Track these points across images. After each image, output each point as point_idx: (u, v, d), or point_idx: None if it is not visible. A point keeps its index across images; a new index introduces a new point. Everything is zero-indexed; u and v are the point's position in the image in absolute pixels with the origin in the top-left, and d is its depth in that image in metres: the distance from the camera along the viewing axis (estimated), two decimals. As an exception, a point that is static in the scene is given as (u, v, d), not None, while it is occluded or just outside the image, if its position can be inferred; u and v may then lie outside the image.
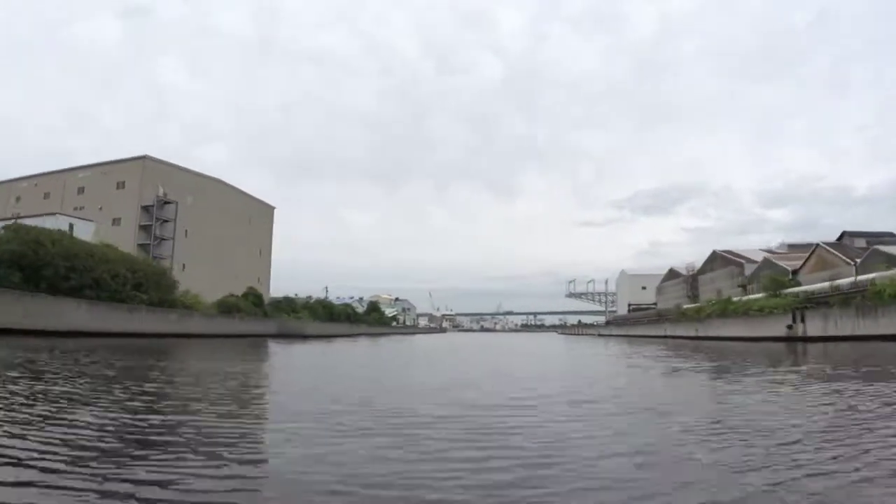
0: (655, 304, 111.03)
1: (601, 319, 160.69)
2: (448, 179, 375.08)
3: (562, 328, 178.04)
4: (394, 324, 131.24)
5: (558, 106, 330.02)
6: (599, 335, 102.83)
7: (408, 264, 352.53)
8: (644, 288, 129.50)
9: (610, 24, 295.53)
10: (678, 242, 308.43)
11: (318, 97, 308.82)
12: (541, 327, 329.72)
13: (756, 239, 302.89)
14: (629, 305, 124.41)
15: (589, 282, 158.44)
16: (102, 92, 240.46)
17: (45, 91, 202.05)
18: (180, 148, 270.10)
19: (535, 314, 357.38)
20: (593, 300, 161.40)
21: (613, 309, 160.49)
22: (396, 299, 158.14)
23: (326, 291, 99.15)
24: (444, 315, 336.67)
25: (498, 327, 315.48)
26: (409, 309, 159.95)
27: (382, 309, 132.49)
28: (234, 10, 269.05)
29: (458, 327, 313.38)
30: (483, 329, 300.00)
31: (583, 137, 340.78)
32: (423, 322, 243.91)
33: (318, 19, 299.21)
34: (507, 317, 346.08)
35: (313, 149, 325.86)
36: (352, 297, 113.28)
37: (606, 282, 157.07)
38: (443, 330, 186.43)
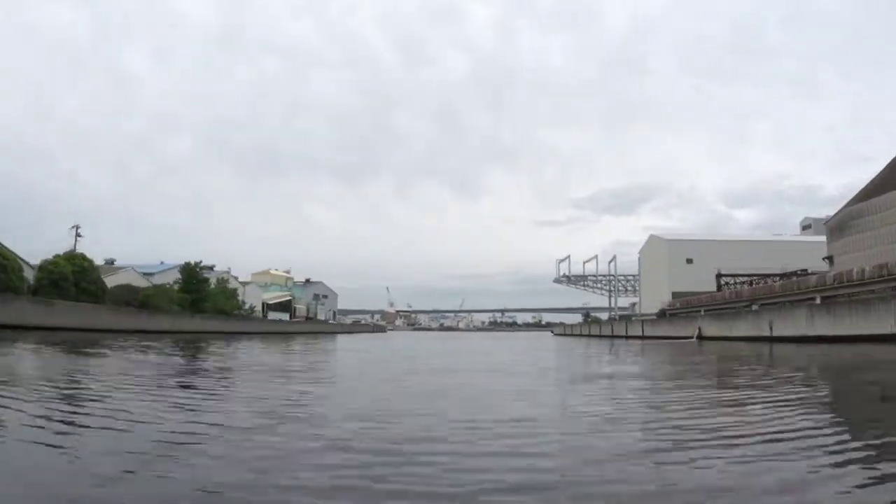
0: (725, 284, 63.86)
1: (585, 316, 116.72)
2: (412, 176, 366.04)
3: (560, 326, 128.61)
4: (282, 317, 79.42)
5: (525, 103, 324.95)
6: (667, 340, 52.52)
7: (369, 261, 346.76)
8: (690, 262, 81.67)
9: (580, 21, 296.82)
10: (641, 242, 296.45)
11: (282, 89, 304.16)
12: (511, 325, 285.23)
13: None
14: (668, 300, 75.58)
15: (588, 260, 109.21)
16: (66, 80, 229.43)
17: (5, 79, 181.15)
18: (146, 139, 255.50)
19: (502, 311, 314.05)
20: (595, 286, 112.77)
21: (633, 302, 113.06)
22: (308, 281, 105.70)
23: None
24: (398, 311, 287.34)
25: (461, 325, 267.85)
26: (324, 297, 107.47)
27: (269, 290, 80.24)
28: None
29: (413, 325, 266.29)
30: (443, 328, 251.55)
31: (548, 135, 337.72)
32: (366, 318, 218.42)
33: (284, 9, 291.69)
34: (472, 314, 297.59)
35: (276, 142, 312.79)
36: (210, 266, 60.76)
37: (613, 260, 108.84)
38: (380, 329, 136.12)
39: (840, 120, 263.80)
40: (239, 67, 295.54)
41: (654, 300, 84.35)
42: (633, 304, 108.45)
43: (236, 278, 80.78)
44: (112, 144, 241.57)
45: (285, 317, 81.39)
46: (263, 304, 76.98)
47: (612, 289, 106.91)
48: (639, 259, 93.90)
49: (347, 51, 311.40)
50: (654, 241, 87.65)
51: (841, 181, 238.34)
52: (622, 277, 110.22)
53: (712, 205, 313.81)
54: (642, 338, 57.48)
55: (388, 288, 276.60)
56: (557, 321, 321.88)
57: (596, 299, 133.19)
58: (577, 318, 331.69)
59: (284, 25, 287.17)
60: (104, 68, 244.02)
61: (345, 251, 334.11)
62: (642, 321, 61.70)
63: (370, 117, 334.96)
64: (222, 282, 60.00)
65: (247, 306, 65.11)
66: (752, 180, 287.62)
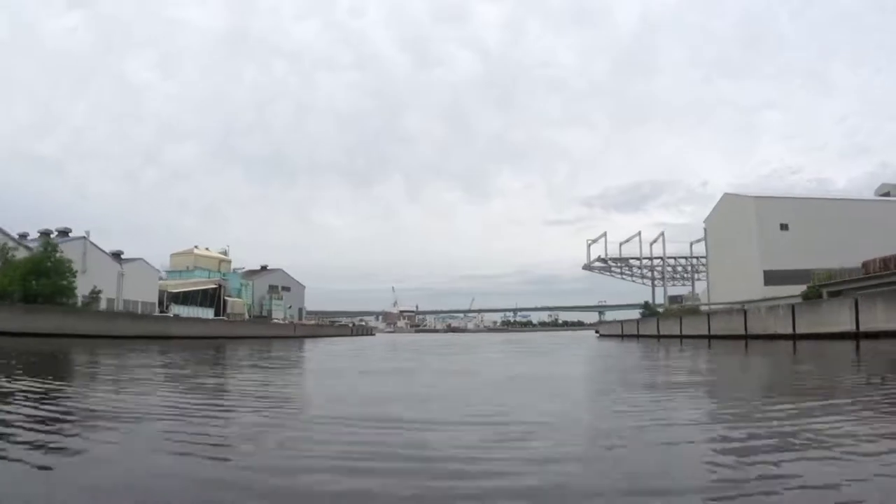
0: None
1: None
2: (422, 177, 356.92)
3: (603, 325, 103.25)
4: (202, 313, 55.10)
5: (534, 102, 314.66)
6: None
7: (378, 264, 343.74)
8: (785, 228, 56.75)
9: (590, 19, 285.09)
10: (649, 240, 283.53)
11: (290, 93, 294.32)
12: (526, 325, 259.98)
13: None
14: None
15: (627, 241, 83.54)
16: (71, 90, 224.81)
17: (9, 89, 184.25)
18: (152, 146, 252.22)
19: (515, 310, 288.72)
20: (639, 272, 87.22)
21: (685, 291, 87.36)
22: (264, 268, 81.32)
23: None
24: (402, 312, 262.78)
25: (471, 326, 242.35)
26: (284, 290, 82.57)
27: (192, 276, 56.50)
28: (205, 2, 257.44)
29: (417, 326, 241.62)
30: (451, 329, 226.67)
31: (557, 134, 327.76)
32: (372, 320, 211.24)
33: (291, 11, 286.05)
34: (482, 314, 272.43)
35: (285, 146, 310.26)
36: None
37: (660, 238, 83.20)
38: (364, 332, 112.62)
39: (851, 111, 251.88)
40: (246, 71, 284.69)
41: (730, 284, 58.96)
42: (689, 295, 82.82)
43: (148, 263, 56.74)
44: (120, 153, 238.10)
45: (208, 313, 57.51)
46: (163, 293, 53.15)
47: (663, 274, 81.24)
48: (704, 230, 68.17)
49: (355, 52, 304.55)
50: (731, 203, 61.98)
51: (852, 174, 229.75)
52: (675, 261, 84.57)
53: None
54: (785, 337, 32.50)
55: (393, 288, 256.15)
56: (575, 320, 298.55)
57: (632, 291, 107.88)
58: (594, 317, 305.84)
59: (290, 28, 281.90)
60: (110, 76, 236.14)
61: (355, 254, 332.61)
62: (792, 308, 36.07)
63: (379, 119, 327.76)
64: (49, 250, 35.63)
65: (90, 292, 40.75)
66: (763, 174, 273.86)
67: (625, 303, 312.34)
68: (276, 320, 73.15)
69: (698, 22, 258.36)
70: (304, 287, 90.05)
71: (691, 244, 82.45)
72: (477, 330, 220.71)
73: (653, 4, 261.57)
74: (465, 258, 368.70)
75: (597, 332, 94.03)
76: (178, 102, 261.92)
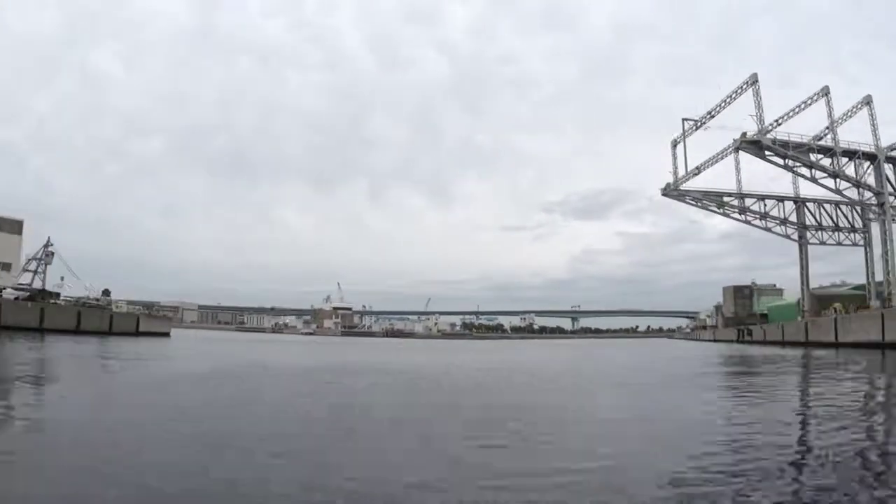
0: None
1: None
2: (386, 180, 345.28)
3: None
4: None
5: (502, 107, 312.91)
6: None
7: (336, 266, 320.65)
8: None
9: (561, 23, 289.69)
10: (612, 251, 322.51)
11: (257, 91, 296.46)
12: (495, 330, 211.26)
13: (692, 248, 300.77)
14: None
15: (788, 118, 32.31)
16: (35, 80, 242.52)
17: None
18: (117, 142, 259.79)
19: (476, 313, 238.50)
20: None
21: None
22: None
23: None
24: (336, 309, 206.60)
25: (419, 329, 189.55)
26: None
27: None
28: None
29: (353, 327, 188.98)
30: (391, 333, 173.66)
31: (524, 139, 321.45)
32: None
33: (259, 7, 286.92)
34: (438, 316, 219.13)
35: (250, 146, 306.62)
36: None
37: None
38: (159, 332, 56.97)
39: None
40: (213, 68, 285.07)
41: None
42: None
43: None
44: (83, 146, 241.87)
45: None
46: None
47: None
48: None
49: (323, 51, 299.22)
50: None
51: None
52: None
53: (685, 210, 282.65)
54: None
55: (339, 284, 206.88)
56: (554, 325, 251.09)
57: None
58: (566, 323, 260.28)
59: (258, 24, 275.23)
60: (74, 69, 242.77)
61: (318, 255, 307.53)
62: None
63: (346, 120, 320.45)
64: None
65: None
66: (726, 185, 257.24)
67: (602, 308, 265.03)
68: None
69: (670, 27, 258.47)
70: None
71: None
72: (427, 335, 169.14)
73: (624, 8, 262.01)
74: (426, 263, 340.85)
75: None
76: (142, 97, 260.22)
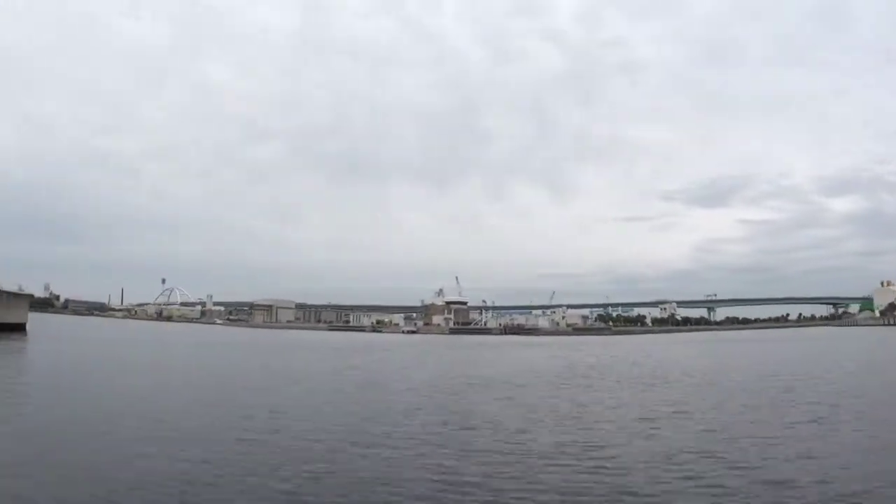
0: None
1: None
2: (501, 175, 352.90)
3: None
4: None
5: (614, 95, 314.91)
6: None
7: (460, 264, 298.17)
8: None
9: (669, 8, 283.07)
10: (735, 238, 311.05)
11: (367, 92, 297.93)
12: (635, 322, 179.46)
13: (817, 234, 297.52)
14: None
15: None
16: (149, 91, 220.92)
17: (86, 90, 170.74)
18: (236, 146, 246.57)
19: (606, 305, 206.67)
20: None
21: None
22: None
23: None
24: (448, 303, 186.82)
25: (544, 324, 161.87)
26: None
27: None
28: (279, 4, 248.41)
29: (466, 325, 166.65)
30: (509, 330, 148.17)
31: (636, 128, 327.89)
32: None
33: (363, 9, 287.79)
34: (566, 309, 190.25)
35: (364, 146, 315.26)
36: None
37: None
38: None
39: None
40: (323, 72, 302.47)
41: None
42: None
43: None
44: (196, 154, 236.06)
45: None
46: None
47: None
48: None
49: (431, 49, 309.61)
50: None
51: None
52: None
53: (808, 195, 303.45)
54: None
55: (457, 278, 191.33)
56: (692, 316, 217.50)
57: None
58: (697, 314, 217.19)
59: (364, 26, 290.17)
60: (188, 79, 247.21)
61: (434, 253, 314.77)
62: None
63: (458, 116, 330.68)
64: None
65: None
66: (846, 166, 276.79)
67: (736, 297, 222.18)
68: None
69: (776, 11, 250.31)
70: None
71: None
72: (555, 331, 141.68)
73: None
74: (543, 256, 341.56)
75: None
76: (258, 102, 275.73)
